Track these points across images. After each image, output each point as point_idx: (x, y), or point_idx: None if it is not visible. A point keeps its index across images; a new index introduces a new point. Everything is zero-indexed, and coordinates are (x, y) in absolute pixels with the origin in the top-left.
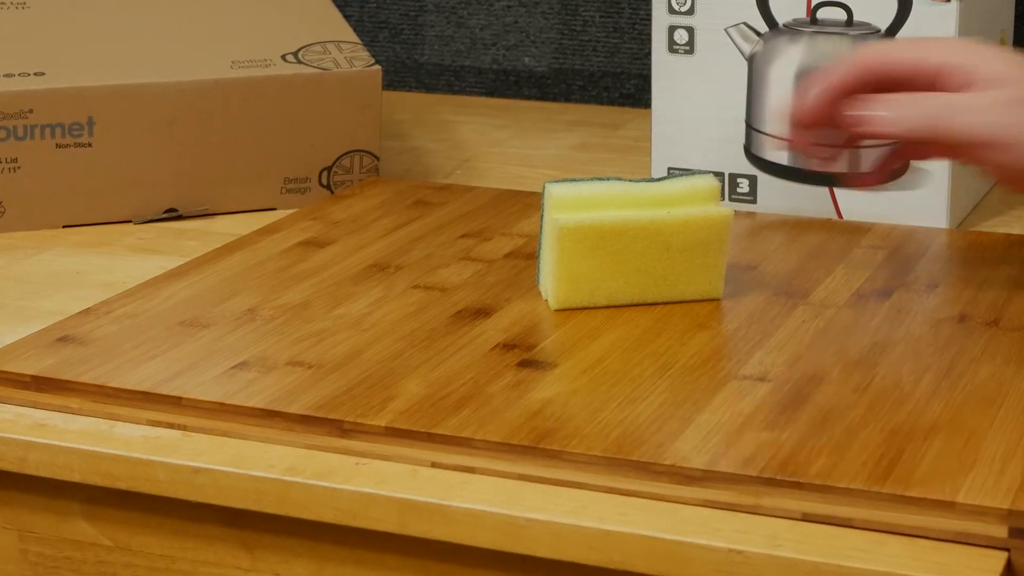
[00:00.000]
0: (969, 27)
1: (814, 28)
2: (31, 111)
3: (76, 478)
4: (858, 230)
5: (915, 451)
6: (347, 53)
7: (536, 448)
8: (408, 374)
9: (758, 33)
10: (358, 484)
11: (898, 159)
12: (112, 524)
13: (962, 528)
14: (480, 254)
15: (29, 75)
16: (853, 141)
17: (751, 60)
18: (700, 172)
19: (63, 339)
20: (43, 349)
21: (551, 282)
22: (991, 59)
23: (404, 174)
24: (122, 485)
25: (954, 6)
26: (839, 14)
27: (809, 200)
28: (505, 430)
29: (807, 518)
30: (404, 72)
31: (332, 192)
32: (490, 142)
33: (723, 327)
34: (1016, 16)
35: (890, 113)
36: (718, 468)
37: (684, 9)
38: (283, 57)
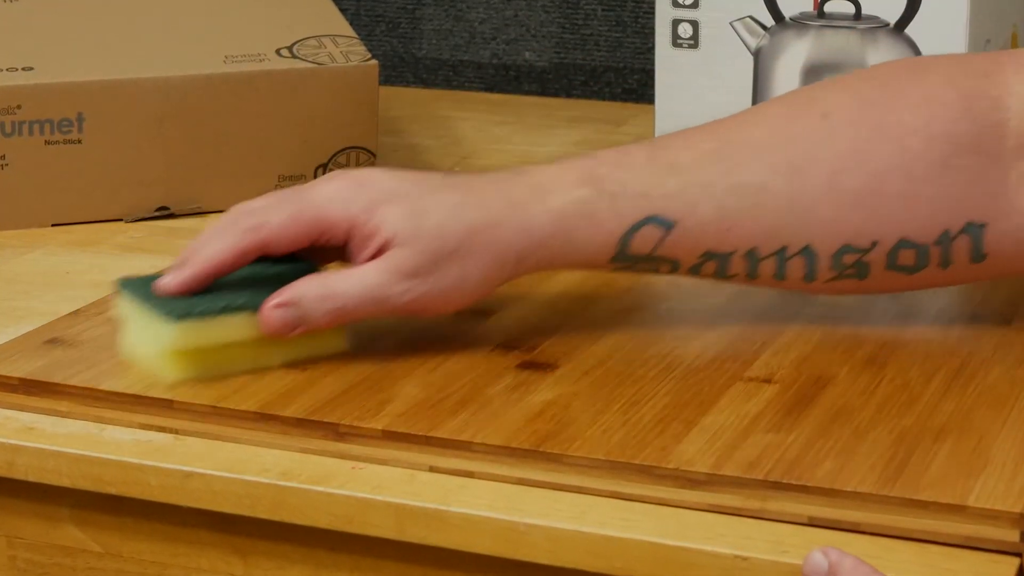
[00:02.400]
0: (980, 21)
1: (822, 22)
2: (19, 107)
3: (65, 483)
4: None
5: (925, 454)
6: (343, 47)
7: (537, 452)
8: (405, 376)
9: (764, 27)
10: (354, 489)
11: None
12: (102, 530)
13: (973, 533)
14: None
15: (17, 70)
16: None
17: (757, 55)
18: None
19: (52, 341)
20: (32, 351)
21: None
22: (405, 215)
23: None
24: (113, 490)
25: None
26: (847, 7)
27: None
28: (505, 433)
29: (813, 522)
30: (401, 67)
31: None
32: (489, 139)
33: (727, 328)
34: None
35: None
36: (723, 471)
37: (688, 2)
38: (277, 52)
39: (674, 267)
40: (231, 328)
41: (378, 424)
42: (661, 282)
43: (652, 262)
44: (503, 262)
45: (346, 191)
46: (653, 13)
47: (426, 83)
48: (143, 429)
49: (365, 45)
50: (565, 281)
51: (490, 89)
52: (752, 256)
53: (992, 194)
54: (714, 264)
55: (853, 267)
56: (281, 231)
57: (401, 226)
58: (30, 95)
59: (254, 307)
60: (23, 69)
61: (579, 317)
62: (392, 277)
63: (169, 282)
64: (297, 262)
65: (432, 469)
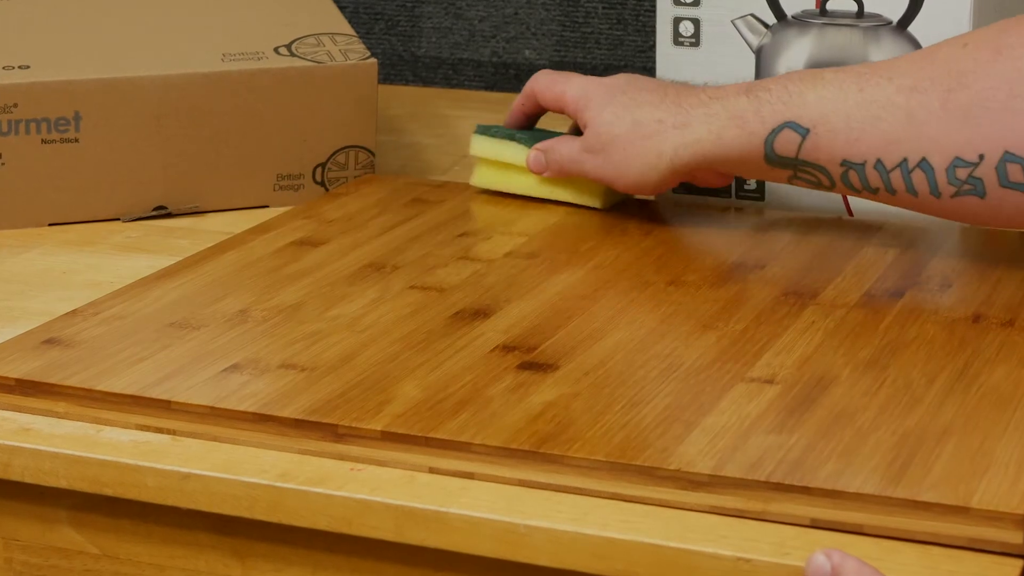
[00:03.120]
0: (983, 20)
1: (824, 20)
2: (16, 105)
3: (62, 484)
4: (869, 228)
5: (927, 455)
6: (342, 46)
7: (537, 453)
8: (405, 377)
9: (766, 25)
10: (353, 490)
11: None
12: (99, 532)
13: (976, 534)
14: (479, 253)
15: (14, 68)
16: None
17: (759, 53)
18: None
19: (49, 341)
20: (28, 352)
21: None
22: (597, 104)
23: (400, 171)
24: (110, 491)
25: None
26: (850, 5)
27: (818, 197)
28: (505, 434)
29: (816, 524)
30: (401, 65)
31: (326, 189)
32: None
33: (730, 328)
34: None
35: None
36: (725, 473)
37: (689, 0)
38: (276, 50)
39: (826, 176)
40: (511, 151)
41: (377, 425)
42: (661, 282)
43: (802, 167)
44: (660, 152)
45: (589, 85)
46: (654, 11)
47: (425, 81)
48: (140, 430)
49: (364, 43)
50: (565, 281)
51: (490, 88)
52: (881, 168)
53: None
54: (855, 174)
55: (969, 182)
56: (541, 90)
57: (593, 113)
58: (27, 94)
59: (527, 143)
60: (19, 67)
61: (580, 317)
62: (580, 148)
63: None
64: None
65: (432, 470)
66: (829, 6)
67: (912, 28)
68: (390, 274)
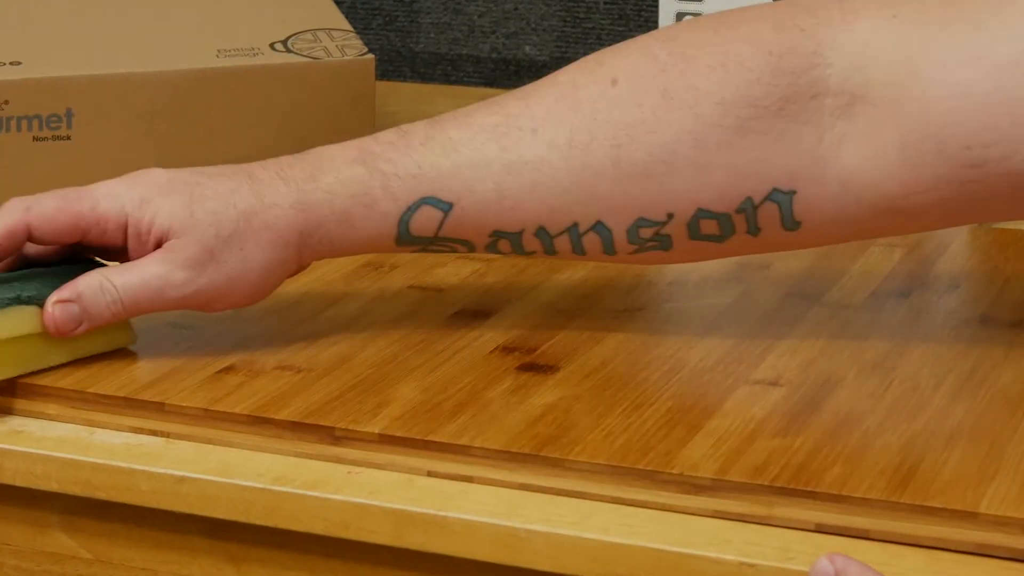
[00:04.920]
0: None
1: None
2: (7, 102)
3: (54, 488)
4: None
5: (935, 459)
6: (339, 41)
7: (537, 456)
8: (403, 378)
9: None
10: (350, 494)
11: None
12: (92, 536)
13: (984, 540)
14: (478, 252)
15: (5, 64)
16: None
17: None
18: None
19: None
20: None
21: None
22: (170, 206)
23: None
24: (102, 495)
25: None
26: None
27: None
28: (505, 437)
29: (821, 529)
30: (399, 61)
31: None
32: None
33: (733, 329)
34: None
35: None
36: (728, 477)
37: None
38: (271, 46)
39: (469, 247)
40: (18, 321)
41: (375, 427)
42: (664, 282)
43: (442, 243)
44: (285, 243)
45: (120, 186)
46: (657, 6)
47: (424, 78)
48: (134, 432)
49: (361, 39)
50: (566, 281)
51: (490, 84)
52: (543, 233)
53: (802, 159)
54: (507, 242)
55: (654, 239)
56: (50, 215)
57: (176, 216)
58: (18, 90)
59: (40, 301)
60: (11, 64)
61: (581, 318)
62: (171, 267)
63: None
64: (84, 262)
65: (430, 474)
66: None
67: None
68: (388, 273)
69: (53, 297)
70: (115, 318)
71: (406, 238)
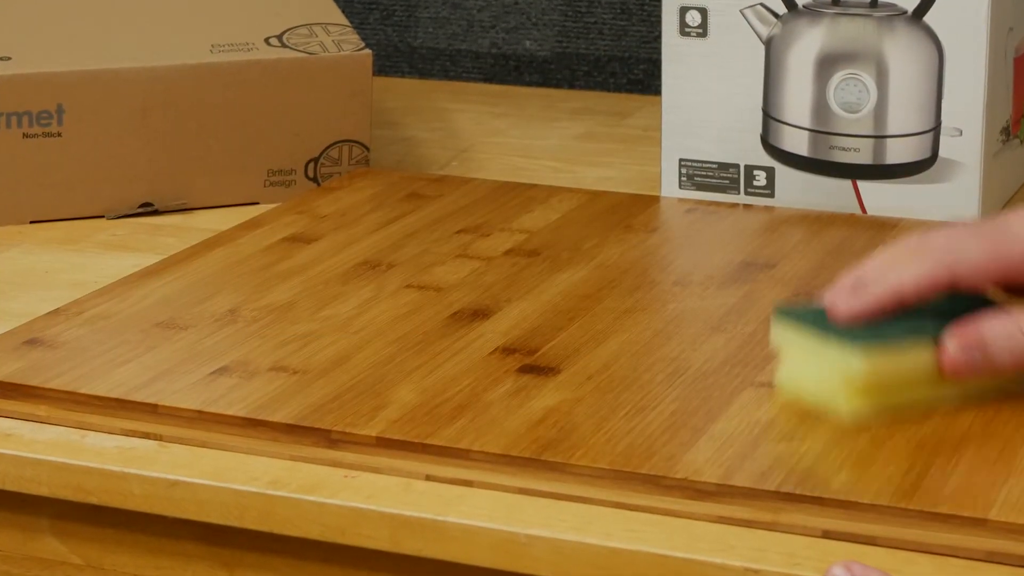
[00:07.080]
0: (1002, 8)
1: (836, 9)
2: None
3: (44, 492)
4: (883, 226)
5: (944, 464)
6: (335, 36)
7: (538, 460)
8: (401, 380)
9: (776, 14)
10: (347, 498)
11: None
12: (83, 541)
13: (995, 547)
14: (478, 251)
15: None
16: None
17: (768, 43)
18: None
19: (30, 342)
20: (9, 353)
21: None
22: None
23: (396, 165)
24: (94, 499)
25: None
26: None
27: (831, 194)
28: (505, 441)
29: (828, 535)
30: (396, 56)
31: (319, 185)
32: (488, 131)
33: (738, 330)
34: None
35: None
36: (733, 482)
37: None
38: (266, 40)
39: None
40: (913, 358)
41: (372, 431)
42: (668, 282)
43: None
44: None
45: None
46: (660, 0)
47: (422, 73)
48: (126, 435)
49: (358, 34)
50: (567, 281)
51: (489, 80)
52: None
53: None
54: None
55: None
56: (978, 268)
57: None
58: (7, 86)
59: (938, 337)
60: (0, 59)
61: (582, 319)
62: None
63: (849, 306)
64: (971, 296)
65: (429, 478)
66: None
67: (928, 18)
68: (385, 272)
69: (956, 338)
70: (1018, 367)
71: None
